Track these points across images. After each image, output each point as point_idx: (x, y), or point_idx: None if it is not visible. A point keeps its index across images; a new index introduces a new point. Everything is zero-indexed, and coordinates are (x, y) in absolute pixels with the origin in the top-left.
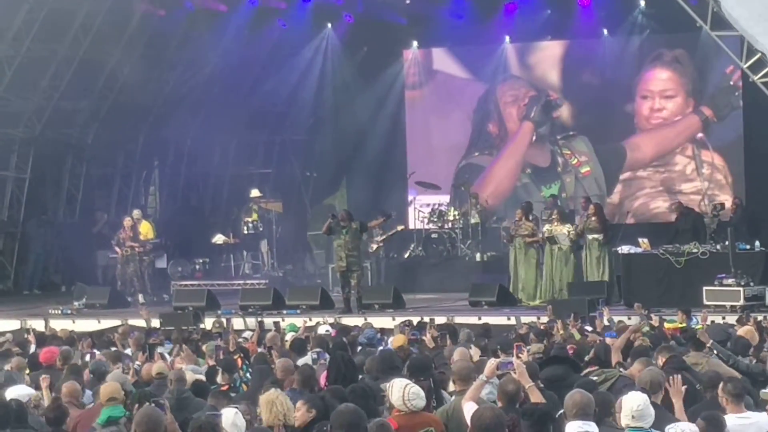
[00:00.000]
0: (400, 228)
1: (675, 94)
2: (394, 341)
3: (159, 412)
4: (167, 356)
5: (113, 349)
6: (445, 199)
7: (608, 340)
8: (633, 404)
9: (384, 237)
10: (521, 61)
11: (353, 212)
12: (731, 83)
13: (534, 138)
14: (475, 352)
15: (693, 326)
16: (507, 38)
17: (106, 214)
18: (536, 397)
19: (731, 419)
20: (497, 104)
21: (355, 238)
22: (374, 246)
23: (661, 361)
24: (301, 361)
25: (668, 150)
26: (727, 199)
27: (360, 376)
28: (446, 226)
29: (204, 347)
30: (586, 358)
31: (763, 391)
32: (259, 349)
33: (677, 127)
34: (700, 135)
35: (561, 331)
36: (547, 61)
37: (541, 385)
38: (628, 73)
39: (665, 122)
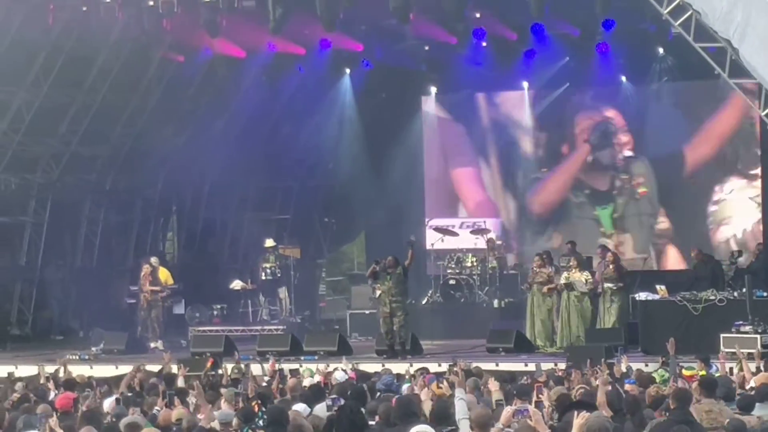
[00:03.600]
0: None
1: None
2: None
3: None
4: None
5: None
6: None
7: (627, 387)
8: None
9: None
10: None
11: (372, 257)
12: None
13: (590, 159)
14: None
15: (713, 374)
16: (525, 84)
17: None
18: None
19: None
20: (572, 129)
21: (398, 283)
22: (378, 292)
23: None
24: (317, 408)
25: None
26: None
27: (372, 423)
28: (464, 273)
29: (223, 393)
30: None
31: None
32: (279, 397)
33: None
34: None
35: (578, 379)
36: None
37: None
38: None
39: None
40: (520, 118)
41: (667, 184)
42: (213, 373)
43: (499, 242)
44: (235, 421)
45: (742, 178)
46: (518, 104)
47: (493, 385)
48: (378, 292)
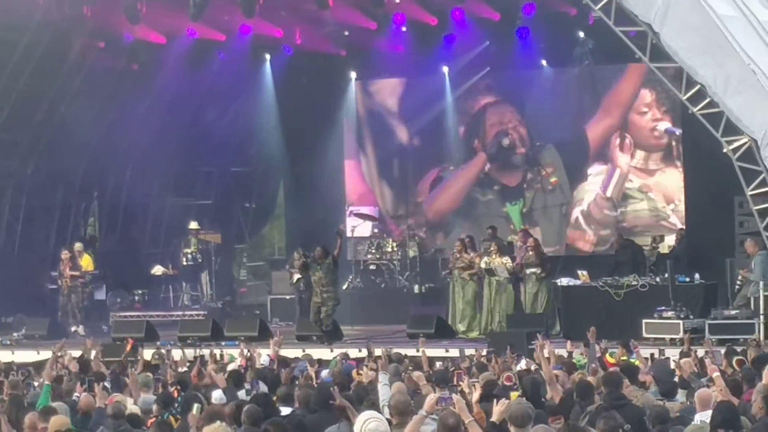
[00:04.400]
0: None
1: None
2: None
3: None
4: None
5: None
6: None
7: (556, 372)
8: None
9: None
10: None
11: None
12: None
13: (487, 168)
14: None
15: (633, 360)
16: (445, 69)
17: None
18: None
19: None
20: (484, 124)
21: (329, 273)
22: (295, 277)
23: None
24: (240, 394)
25: None
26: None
27: (291, 410)
28: (384, 258)
29: (138, 378)
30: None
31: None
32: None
33: None
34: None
35: (497, 366)
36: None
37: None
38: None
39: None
40: (392, 107)
41: (574, 169)
42: (132, 358)
43: (376, 230)
44: (155, 407)
45: (603, 164)
46: (393, 93)
47: (419, 377)
48: (295, 277)
